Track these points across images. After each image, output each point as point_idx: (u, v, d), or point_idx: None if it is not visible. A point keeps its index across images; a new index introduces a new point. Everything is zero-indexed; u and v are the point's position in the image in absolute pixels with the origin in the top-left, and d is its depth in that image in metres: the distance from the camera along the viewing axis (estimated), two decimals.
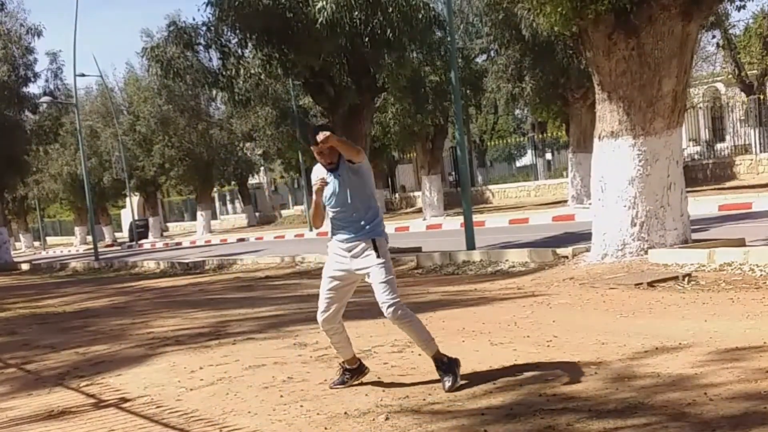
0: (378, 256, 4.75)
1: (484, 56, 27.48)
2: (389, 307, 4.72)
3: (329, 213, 4.90)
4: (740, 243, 9.74)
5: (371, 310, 8.66)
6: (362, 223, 4.81)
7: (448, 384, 4.73)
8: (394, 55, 14.75)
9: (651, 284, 8.08)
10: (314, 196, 4.86)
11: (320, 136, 4.58)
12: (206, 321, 9.16)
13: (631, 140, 9.45)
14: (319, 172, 4.89)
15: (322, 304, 4.95)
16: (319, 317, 4.97)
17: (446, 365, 4.81)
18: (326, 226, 5.10)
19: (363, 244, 4.78)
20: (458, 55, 19.83)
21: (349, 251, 4.81)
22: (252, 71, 14.92)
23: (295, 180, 47.78)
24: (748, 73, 30.09)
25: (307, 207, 35.01)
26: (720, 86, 34.85)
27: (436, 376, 5.11)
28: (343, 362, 5.16)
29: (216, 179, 43.65)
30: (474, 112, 36.77)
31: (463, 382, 4.78)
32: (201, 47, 14.89)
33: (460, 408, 4.37)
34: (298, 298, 10.66)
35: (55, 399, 5.71)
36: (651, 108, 9.39)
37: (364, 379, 5.21)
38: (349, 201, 4.79)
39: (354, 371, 5.14)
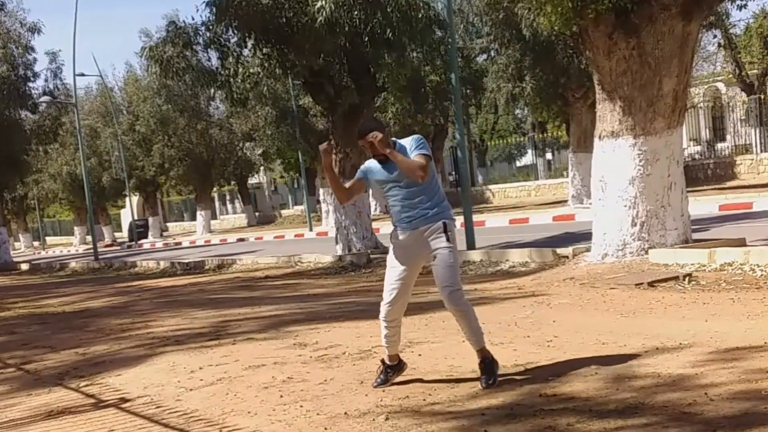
0: None
1: (484, 56, 27.49)
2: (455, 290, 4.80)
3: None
4: (741, 243, 9.73)
5: (371, 310, 8.66)
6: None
7: (484, 383, 4.71)
8: (394, 54, 14.73)
9: (651, 284, 8.07)
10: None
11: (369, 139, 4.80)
12: (206, 321, 9.15)
13: (631, 140, 9.44)
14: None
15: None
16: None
17: (488, 364, 4.79)
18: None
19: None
20: (458, 55, 19.85)
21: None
22: (251, 70, 14.90)
23: (295, 180, 47.77)
24: (749, 72, 30.05)
25: (307, 207, 35.02)
26: (720, 86, 34.82)
27: (436, 377, 5.11)
28: (385, 359, 5.08)
29: (216, 179, 43.64)
30: (474, 111, 36.76)
31: (500, 379, 4.76)
32: (200, 47, 14.87)
33: (460, 408, 4.37)
34: (298, 298, 10.66)
35: (55, 399, 5.70)
36: (651, 108, 9.37)
37: (366, 378, 5.20)
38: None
39: (395, 367, 5.08)
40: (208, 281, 15.42)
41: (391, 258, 4.94)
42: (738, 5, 19.56)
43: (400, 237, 4.86)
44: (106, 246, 47.12)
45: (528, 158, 46.93)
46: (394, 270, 4.89)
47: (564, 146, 34.74)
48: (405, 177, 4.79)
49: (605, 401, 4.19)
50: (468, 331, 4.83)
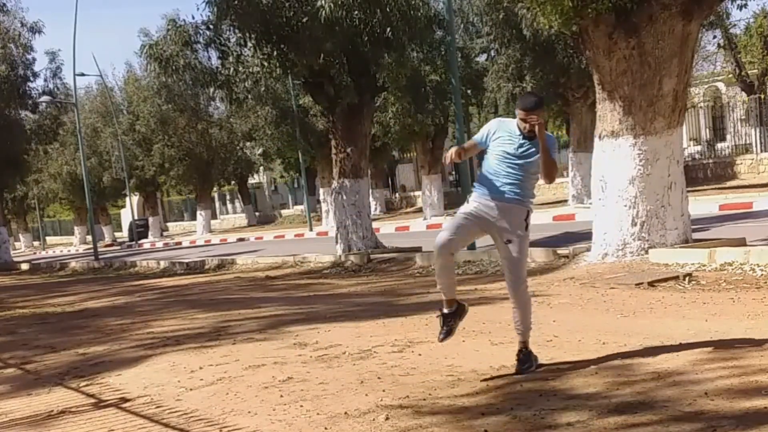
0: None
1: (485, 55, 27.47)
2: (521, 284, 4.98)
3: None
4: (741, 243, 9.73)
5: (371, 310, 8.67)
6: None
7: (519, 366, 5.01)
8: (393, 54, 14.73)
9: (651, 284, 8.07)
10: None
11: (533, 120, 4.82)
12: (206, 321, 9.14)
13: (631, 140, 9.44)
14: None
15: (449, 230, 4.93)
16: (441, 242, 4.89)
17: (526, 355, 5.06)
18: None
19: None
20: (458, 55, 19.86)
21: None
22: (251, 70, 14.90)
23: (295, 180, 47.76)
24: (749, 72, 30.02)
25: (307, 206, 35.00)
26: (721, 86, 34.80)
27: (436, 376, 5.11)
28: (442, 308, 5.15)
29: (216, 179, 43.63)
30: (474, 111, 36.73)
31: (536, 368, 5.02)
32: (200, 46, 14.87)
33: (460, 408, 4.37)
34: (298, 299, 10.65)
35: (55, 399, 5.70)
36: (651, 107, 9.38)
37: (366, 378, 5.20)
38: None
39: (455, 313, 5.14)
40: (209, 281, 15.42)
41: (466, 211, 4.99)
42: (738, 5, 19.59)
43: (487, 201, 4.95)
44: (107, 246, 47.14)
45: None
46: (464, 221, 4.96)
47: (564, 146, 34.69)
48: (538, 169, 4.96)
49: (605, 401, 4.19)
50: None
